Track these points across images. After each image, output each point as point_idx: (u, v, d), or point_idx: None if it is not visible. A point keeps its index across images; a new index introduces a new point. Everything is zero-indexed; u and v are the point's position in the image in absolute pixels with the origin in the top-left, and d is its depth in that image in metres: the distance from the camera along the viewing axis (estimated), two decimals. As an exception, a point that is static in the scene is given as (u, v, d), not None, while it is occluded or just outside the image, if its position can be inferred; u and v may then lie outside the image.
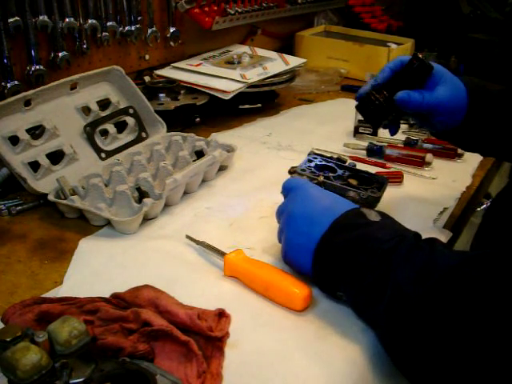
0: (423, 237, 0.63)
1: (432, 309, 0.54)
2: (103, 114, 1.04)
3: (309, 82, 1.58)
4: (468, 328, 0.52)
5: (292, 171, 0.86)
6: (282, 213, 0.73)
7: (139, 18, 1.26)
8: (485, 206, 1.46)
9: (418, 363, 0.56)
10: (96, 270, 0.75)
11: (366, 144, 1.13)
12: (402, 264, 0.57)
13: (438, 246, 0.60)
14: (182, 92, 1.26)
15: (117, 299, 0.63)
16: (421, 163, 1.07)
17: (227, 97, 1.22)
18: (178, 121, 1.19)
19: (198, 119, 1.23)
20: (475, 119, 0.81)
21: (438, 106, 0.79)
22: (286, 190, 0.76)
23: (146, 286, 0.64)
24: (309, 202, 0.69)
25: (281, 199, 0.90)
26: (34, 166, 0.91)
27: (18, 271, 0.75)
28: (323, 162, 0.91)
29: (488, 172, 1.12)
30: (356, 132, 1.22)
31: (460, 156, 1.12)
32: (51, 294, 0.69)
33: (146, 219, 0.86)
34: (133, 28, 1.26)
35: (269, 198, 0.93)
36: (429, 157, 1.07)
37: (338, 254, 0.63)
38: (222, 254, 0.74)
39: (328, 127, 1.28)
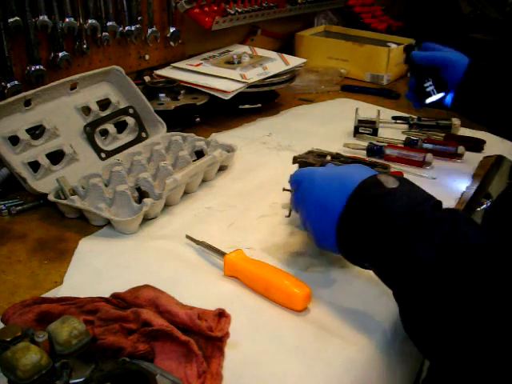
0: None
1: (457, 286, 0.53)
2: (103, 114, 1.04)
3: (309, 81, 1.58)
4: (493, 306, 0.51)
5: (296, 159, 0.86)
6: (298, 204, 0.74)
7: (139, 18, 1.26)
8: (485, 206, 1.46)
9: (439, 341, 0.55)
10: (96, 270, 0.75)
11: (366, 144, 1.13)
12: (422, 241, 0.56)
13: (460, 220, 0.58)
14: (182, 92, 1.26)
15: (117, 299, 0.63)
16: (421, 163, 1.07)
17: (227, 97, 1.22)
18: (178, 121, 1.19)
19: (197, 119, 1.23)
20: (476, 75, 1.00)
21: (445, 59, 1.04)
22: (297, 182, 0.75)
23: (146, 286, 0.64)
24: (320, 189, 0.69)
25: (281, 199, 0.90)
26: (34, 165, 0.91)
27: (18, 271, 0.75)
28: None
29: (488, 172, 1.12)
30: (356, 132, 1.22)
31: (460, 156, 1.12)
32: (51, 294, 0.69)
33: (146, 219, 0.86)
34: (133, 28, 1.26)
35: (269, 198, 0.93)
36: (429, 157, 1.07)
37: (357, 231, 0.63)
38: (222, 254, 0.74)
39: (328, 127, 1.28)
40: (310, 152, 0.90)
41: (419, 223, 0.58)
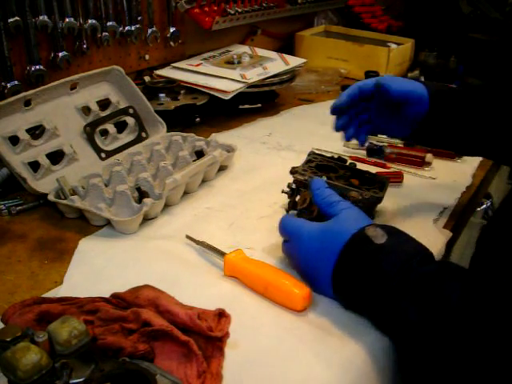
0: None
1: (440, 344, 0.56)
2: (103, 114, 1.04)
3: (309, 82, 1.58)
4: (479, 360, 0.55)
5: (293, 171, 0.86)
6: (289, 256, 0.75)
7: (139, 18, 1.26)
8: (485, 206, 1.46)
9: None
10: (96, 269, 0.75)
11: (366, 144, 1.13)
12: (409, 303, 0.59)
13: (445, 274, 0.60)
14: (182, 92, 1.26)
15: (117, 299, 0.63)
16: (421, 163, 1.07)
17: (227, 97, 1.22)
18: (178, 121, 1.19)
19: (198, 119, 1.23)
20: (438, 109, 0.84)
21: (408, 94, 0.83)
22: (285, 234, 0.74)
23: (146, 286, 0.64)
24: (309, 248, 0.69)
25: (281, 199, 0.90)
26: (34, 166, 0.91)
27: (18, 271, 0.75)
28: (324, 162, 0.91)
29: (488, 172, 1.12)
30: (356, 132, 1.21)
31: (460, 156, 1.12)
32: (51, 294, 0.69)
33: (146, 219, 0.86)
34: (133, 28, 1.26)
35: (269, 198, 0.93)
36: (429, 157, 1.07)
37: (351, 286, 0.65)
38: (222, 254, 0.74)
39: (328, 127, 1.27)
40: (309, 161, 0.89)
41: (407, 283, 0.60)
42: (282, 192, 0.85)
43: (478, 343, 0.54)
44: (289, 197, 0.86)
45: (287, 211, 0.85)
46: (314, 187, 0.74)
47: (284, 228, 0.74)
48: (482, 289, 0.57)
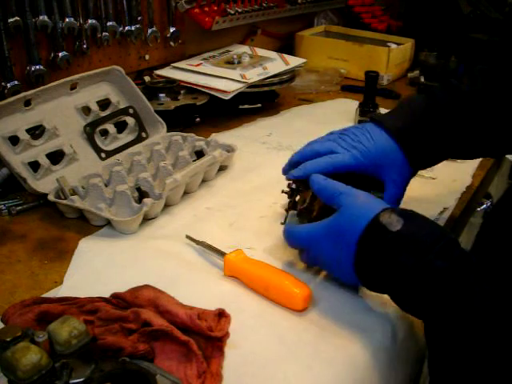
0: None
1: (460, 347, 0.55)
2: (103, 113, 1.04)
3: (309, 82, 1.58)
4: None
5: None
6: (311, 264, 0.75)
7: (139, 18, 1.26)
8: (485, 206, 1.46)
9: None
10: (96, 269, 0.75)
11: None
12: (427, 296, 0.57)
13: (468, 276, 0.56)
14: (182, 92, 1.26)
15: (117, 299, 0.63)
16: (421, 163, 1.07)
17: (227, 97, 1.22)
18: (178, 121, 1.19)
19: (197, 119, 1.23)
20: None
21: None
22: (296, 247, 0.74)
23: (146, 286, 0.64)
24: (326, 255, 0.68)
25: (281, 199, 0.90)
26: (34, 166, 0.91)
27: (18, 271, 0.75)
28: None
29: (488, 172, 1.12)
30: (356, 132, 1.21)
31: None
32: (51, 294, 0.69)
33: (146, 219, 0.86)
34: (133, 28, 1.26)
35: (269, 198, 0.93)
36: (429, 157, 1.07)
37: (374, 279, 0.64)
38: (222, 254, 0.75)
39: (328, 127, 1.27)
40: None
41: (423, 279, 0.57)
42: (282, 192, 0.85)
43: (499, 345, 0.52)
44: (289, 197, 0.86)
45: (287, 211, 0.85)
46: (312, 184, 0.73)
47: (293, 242, 0.73)
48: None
